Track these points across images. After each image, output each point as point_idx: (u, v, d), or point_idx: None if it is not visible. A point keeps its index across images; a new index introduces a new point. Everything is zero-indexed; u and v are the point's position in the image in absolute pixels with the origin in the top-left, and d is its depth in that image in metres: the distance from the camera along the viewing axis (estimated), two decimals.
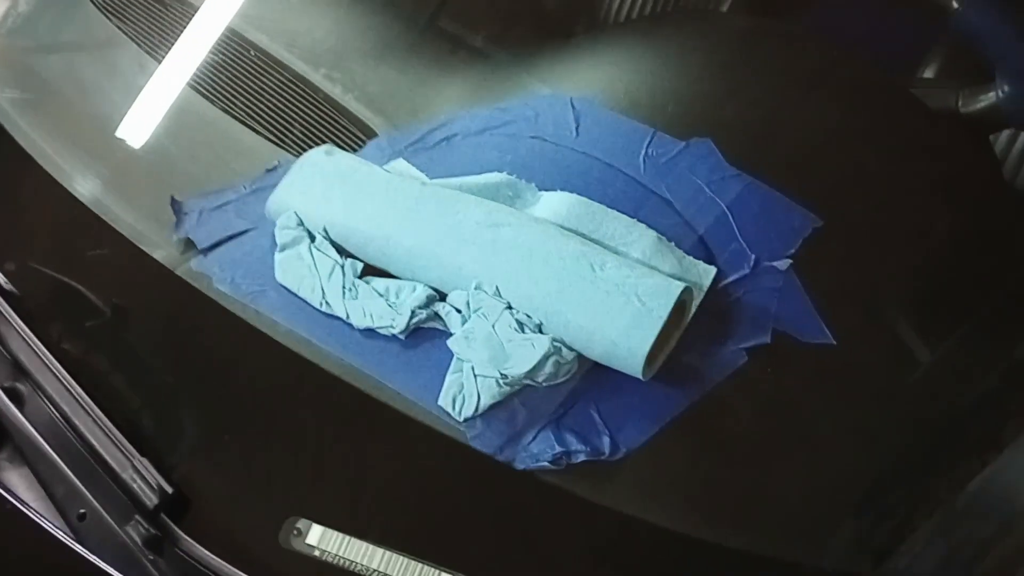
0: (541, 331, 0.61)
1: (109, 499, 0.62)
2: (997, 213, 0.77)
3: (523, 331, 0.61)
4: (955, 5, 0.75)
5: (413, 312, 0.63)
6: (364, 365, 0.63)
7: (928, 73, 0.97)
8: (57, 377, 0.67)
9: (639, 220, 0.66)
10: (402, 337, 0.64)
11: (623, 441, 0.59)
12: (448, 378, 0.61)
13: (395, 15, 0.91)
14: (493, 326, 0.61)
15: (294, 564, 0.59)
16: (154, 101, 0.80)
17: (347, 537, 0.59)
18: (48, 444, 0.65)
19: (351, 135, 0.77)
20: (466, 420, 0.60)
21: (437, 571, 0.57)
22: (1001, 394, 0.67)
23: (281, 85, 0.81)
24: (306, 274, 0.66)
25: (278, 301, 0.67)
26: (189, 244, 0.71)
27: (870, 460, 0.63)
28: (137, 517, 0.60)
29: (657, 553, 0.59)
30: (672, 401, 0.60)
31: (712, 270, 0.64)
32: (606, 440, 0.59)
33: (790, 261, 0.65)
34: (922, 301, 0.68)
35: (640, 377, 0.59)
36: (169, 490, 0.61)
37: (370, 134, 0.77)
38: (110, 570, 0.60)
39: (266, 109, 0.79)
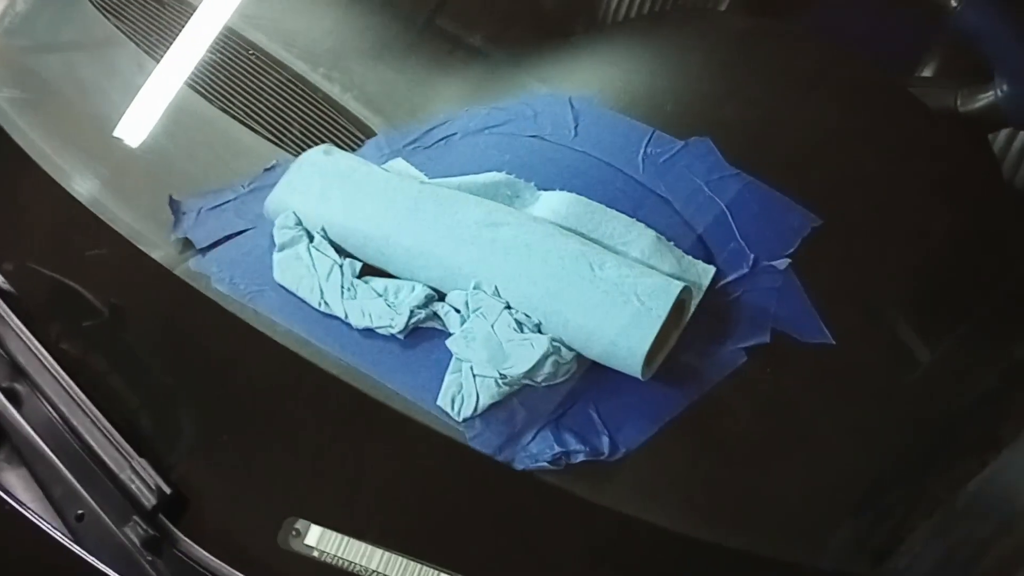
0: (540, 331, 0.61)
1: (107, 500, 0.62)
2: (996, 212, 0.77)
3: (522, 331, 0.61)
4: (954, 4, 0.75)
5: (412, 312, 0.63)
6: (363, 365, 0.63)
7: (927, 72, 0.97)
8: (55, 377, 0.67)
9: (638, 219, 0.66)
10: (401, 337, 0.64)
11: (622, 441, 0.59)
12: (447, 378, 0.61)
13: (394, 14, 0.91)
14: (492, 326, 0.61)
15: (293, 565, 0.59)
16: (152, 100, 0.80)
17: (346, 538, 0.59)
18: (46, 444, 0.65)
19: (350, 134, 0.77)
20: (465, 420, 0.60)
21: (436, 572, 0.57)
22: (1000, 394, 0.67)
23: (280, 84, 0.81)
24: (305, 274, 0.66)
25: (277, 301, 0.67)
26: (187, 244, 0.71)
27: (869, 460, 0.63)
28: (135, 518, 0.60)
29: (656, 553, 0.59)
30: (671, 401, 0.60)
31: (711, 269, 0.64)
32: (605, 440, 0.59)
33: (789, 260, 0.65)
34: (921, 301, 0.68)
35: (639, 377, 0.59)
36: (167, 491, 0.61)
37: (369, 133, 0.77)
38: (108, 571, 0.60)
39: (265, 108, 0.79)
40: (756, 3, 1.06)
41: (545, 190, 0.69)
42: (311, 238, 0.68)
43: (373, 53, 0.85)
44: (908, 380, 0.66)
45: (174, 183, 0.75)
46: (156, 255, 0.72)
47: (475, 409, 0.60)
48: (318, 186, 0.69)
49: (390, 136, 0.76)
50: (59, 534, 0.62)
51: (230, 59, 0.82)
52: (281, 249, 0.68)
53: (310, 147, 0.73)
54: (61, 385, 0.66)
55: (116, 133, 0.80)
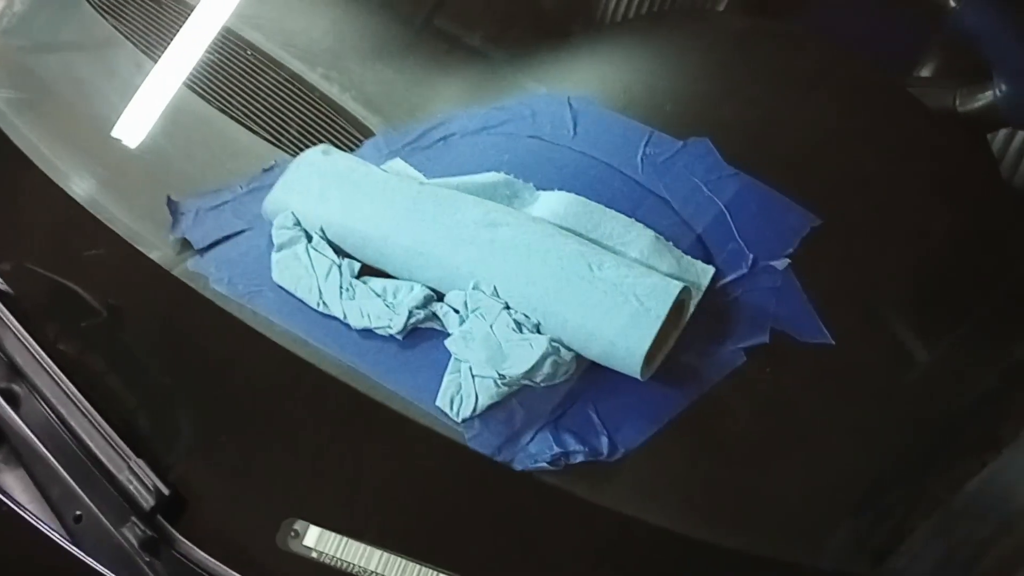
0: (539, 331, 0.61)
1: (105, 501, 0.62)
2: (995, 212, 0.77)
3: (521, 331, 0.61)
4: (952, 4, 0.75)
5: (411, 312, 0.63)
6: (361, 365, 0.63)
7: (926, 72, 0.97)
8: (53, 378, 0.66)
9: (637, 219, 0.66)
10: (399, 337, 0.63)
11: (621, 441, 0.59)
12: (446, 378, 0.61)
13: (392, 15, 0.91)
14: (491, 326, 0.61)
15: (291, 566, 0.59)
16: (150, 101, 0.80)
17: (345, 539, 0.58)
18: (44, 445, 0.65)
19: (348, 135, 0.77)
20: (464, 421, 0.60)
21: (435, 572, 0.57)
22: (1000, 394, 0.67)
23: (278, 84, 0.80)
24: (303, 274, 0.66)
25: (275, 301, 0.67)
26: (185, 244, 0.71)
27: (869, 460, 0.63)
28: (133, 519, 0.60)
29: (656, 553, 0.59)
30: (670, 401, 0.60)
31: (710, 269, 0.64)
32: (604, 440, 0.59)
33: (788, 260, 0.65)
34: (920, 300, 0.68)
35: (638, 377, 0.59)
36: (166, 492, 0.61)
37: (367, 134, 0.77)
38: (106, 572, 0.60)
39: (263, 108, 0.79)
40: (754, 3, 1.06)
41: (544, 190, 0.69)
42: (309, 238, 0.68)
43: (372, 53, 0.85)
44: (907, 380, 0.66)
45: (172, 183, 0.75)
46: (154, 255, 0.71)
47: (474, 409, 0.60)
48: (316, 186, 0.69)
49: (388, 136, 0.76)
50: (57, 535, 0.62)
51: (228, 59, 0.82)
52: (279, 249, 0.68)
53: (308, 147, 0.73)
54: (59, 386, 0.66)
55: (114, 133, 0.80)
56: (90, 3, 0.89)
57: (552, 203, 0.67)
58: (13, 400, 0.67)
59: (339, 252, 0.67)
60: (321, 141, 0.75)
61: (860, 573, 0.61)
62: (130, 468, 0.61)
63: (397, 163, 0.73)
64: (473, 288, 0.62)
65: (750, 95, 0.76)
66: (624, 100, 0.75)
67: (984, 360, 0.68)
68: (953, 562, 0.60)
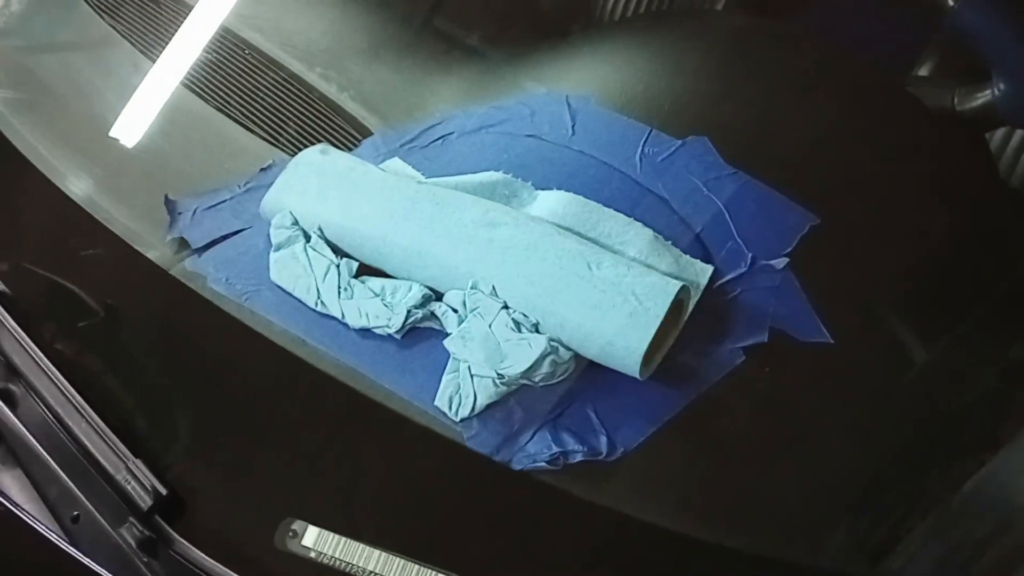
0: (538, 330, 0.61)
1: (103, 501, 0.62)
2: (993, 211, 0.77)
3: (520, 331, 0.61)
4: (951, 3, 0.74)
5: (409, 312, 0.63)
6: (360, 365, 0.63)
7: (924, 71, 0.97)
8: (50, 378, 0.66)
9: (635, 219, 0.66)
10: (398, 337, 0.63)
11: (620, 441, 0.59)
12: (444, 378, 0.61)
13: (390, 15, 0.91)
14: (490, 326, 0.61)
15: (290, 566, 0.59)
16: (148, 100, 0.80)
17: (343, 538, 0.58)
18: (41, 445, 0.65)
19: (346, 134, 0.77)
20: (463, 420, 0.60)
21: (434, 572, 0.57)
22: (998, 394, 0.67)
23: (276, 84, 0.80)
24: (301, 274, 0.66)
25: (273, 301, 0.66)
26: (183, 244, 0.71)
27: (867, 460, 0.63)
28: (131, 519, 0.60)
29: (654, 553, 0.59)
30: (669, 401, 0.60)
31: (709, 268, 0.64)
32: (603, 440, 0.59)
33: (787, 259, 0.64)
34: (919, 300, 0.68)
35: (637, 376, 0.59)
36: (163, 492, 0.60)
37: (365, 133, 0.77)
38: (104, 573, 0.60)
39: (261, 108, 0.79)
40: (752, 3, 1.06)
41: (542, 189, 0.69)
42: (308, 238, 0.68)
43: (370, 53, 0.85)
44: (906, 379, 0.66)
45: (170, 183, 0.75)
46: (152, 255, 0.71)
47: (473, 409, 0.60)
48: (314, 186, 0.69)
49: (387, 136, 0.76)
50: (54, 536, 0.62)
51: (226, 59, 0.82)
52: (277, 249, 0.68)
53: (306, 147, 0.73)
54: (56, 386, 0.66)
55: (112, 133, 0.80)
56: (88, 3, 0.89)
57: (551, 202, 0.67)
58: (10, 400, 0.67)
59: (337, 252, 0.67)
60: (319, 140, 0.75)
61: (859, 572, 0.61)
62: (128, 468, 0.61)
63: (395, 162, 0.73)
64: (472, 287, 0.62)
65: (748, 94, 0.76)
66: (622, 99, 0.75)
67: (982, 360, 0.68)
68: (951, 561, 0.60)
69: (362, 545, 0.58)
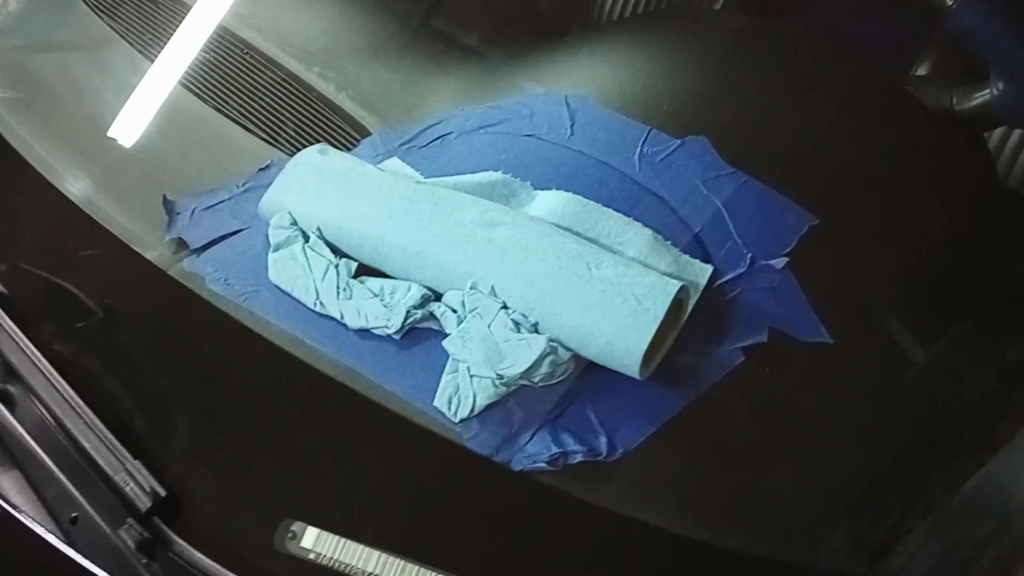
0: (537, 331, 0.61)
1: (101, 502, 0.61)
2: (992, 211, 0.77)
3: (519, 331, 0.61)
4: (949, 3, 0.75)
5: (408, 312, 0.63)
6: (359, 366, 0.63)
7: (923, 71, 0.97)
8: (48, 379, 0.66)
9: (634, 218, 0.66)
10: (397, 337, 0.63)
11: (620, 441, 0.59)
12: (444, 379, 0.61)
13: (389, 14, 0.91)
14: (489, 326, 0.61)
15: (289, 567, 0.58)
16: (146, 100, 0.80)
17: (343, 540, 0.58)
18: (39, 447, 0.64)
19: (345, 134, 0.77)
20: (462, 421, 0.60)
21: (434, 574, 0.57)
22: (997, 394, 0.67)
23: (274, 84, 0.80)
24: (300, 274, 0.66)
25: (272, 301, 0.66)
26: (181, 244, 0.71)
27: (866, 460, 0.63)
28: (130, 520, 0.60)
29: (654, 554, 0.59)
30: (669, 401, 0.60)
31: (708, 268, 0.64)
32: (603, 440, 0.59)
33: (786, 259, 0.64)
34: (918, 300, 0.68)
35: (637, 377, 0.59)
36: (162, 493, 0.60)
37: (364, 133, 0.77)
38: (102, 574, 0.60)
39: (259, 108, 0.79)
40: (751, 2, 1.06)
41: (541, 189, 0.69)
42: (306, 238, 0.67)
43: (368, 52, 0.85)
44: (905, 380, 0.66)
45: (168, 183, 0.75)
46: (150, 255, 0.71)
47: (472, 410, 0.60)
48: (313, 186, 0.69)
49: (385, 135, 0.76)
50: (52, 537, 0.61)
51: (224, 58, 0.82)
52: (276, 249, 0.68)
53: (305, 147, 0.73)
54: (54, 386, 0.66)
55: (110, 133, 0.80)
56: (86, 2, 0.88)
57: (550, 202, 0.67)
58: (8, 401, 0.67)
59: (336, 252, 0.67)
60: (318, 140, 0.75)
61: (858, 573, 0.61)
62: (126, 469, 0.61)
63: (394, 162, 0.73)
64: (471, 288, 0.62)
65: (747, 94, 0.76)
66: (621, 99, 0.75)
67: (981, 360, 0.68)
68: (950, 562, 0.60)
69: (361, 546, 0.58)
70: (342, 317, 0.64)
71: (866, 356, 0.65)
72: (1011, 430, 0.62)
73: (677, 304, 0.60)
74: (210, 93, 0.80)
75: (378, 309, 0.64)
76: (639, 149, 0.70)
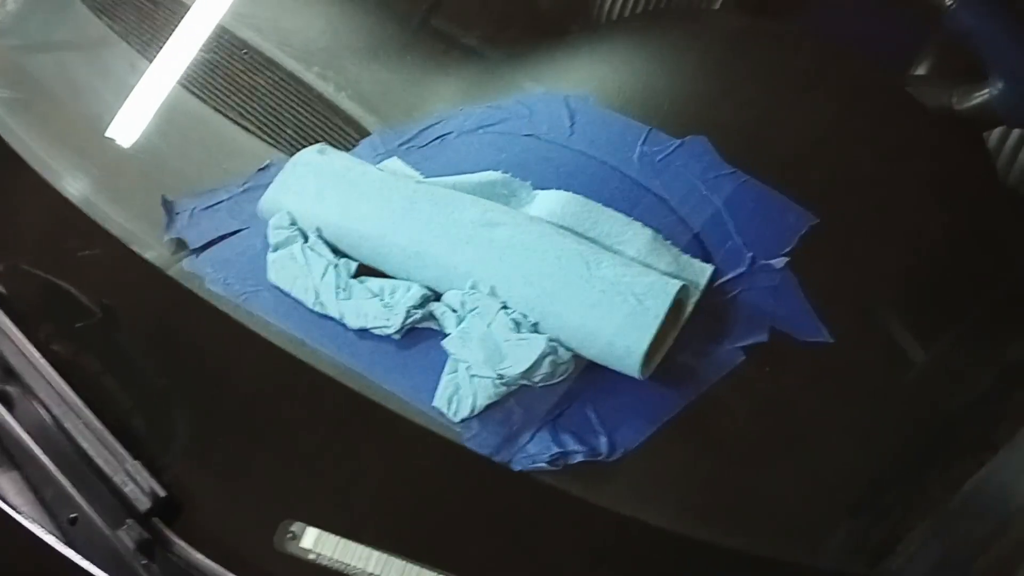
0: (537, 331, 0.61)
1: (101, 503, 0.61)
2: (992, 211, 0.77)
3: (519, 331, 0.61)
4: (948, 3, 0.75)
5: (408, 312, 0.63)
6: (358, 366, 0.63)
7: (922, 71, 0.97)
8: (47, 379, 0.66)
9: (634, 218, 0.66)
10: (397, 337, 0.63)
11: (620, 441, 0.59)
12: (443, 379, 0.61)
13: (388, 14, 0.91)
14: (489, 326, 0.61)
15: (289, 567, 0.58)
16: (145, 100, 0.80)
17: (343, 540, 0.58)
18: (38, 447, 0.64)
19: (344, 134, 0.77)
20: (462, 421, 0.60)
21: (434, 574, 0.57)
22: (997, 394, 0.67)
23: (274, 84, 0.80)
24: (300, 274, 0.66)
25: (271, 302, 0.66)
26: (181, 244, 0.71)
27: (867, 460, 0.63)
28: (129, 521, 0.60)
29: (655, 554, 0.59)
30: (669, 401, 0.60)
31: (709, 268, 0.64)
32: (603, 440, 0.58)
33: (787, 259, 0.64)
34: (919, 299, 0.68)
35: (637, 376, 0.59)
36: (162, 493, 0.60)
37: (363, 133, 0.77)
38: (101, 575, 0.59)
39: (258, 108, 0.79)
40: (750, 2, 1.06)
41: (541, 189, 0.69)
42: (306, 238, 0.67)
43: (368, 52, 0.85)
44: (906, 379, 0.66)
45: (167, 183, 0.75)
46: (149, 256, 0.71)
47: (472, 410, 0.60)
48: (313, 186, 0.69)
49: (385, 135, 0.76)
50: (52, 538, 0.61)
51: (224, 58, 0.81)
52: (276, 249, 0.67)
53: (304, 147, 0.73)
54: (53, 387, 0.65)
55: (109, 133, 0.80)
56: (84, 2, 0.88)
57: (549, 202, 0.67)
58: (7, 401, 0.66)
59: (336, 252, 0.67)
60: (317, 140, 0.75)
61: (858, 573, 0.61)
62: (126, 470, 0.61)
63: (394, 162, 0.73)
64: (471, 288, 0.62)
65: (747, 94, 0.76)
66: (621, 99, 0.75)
67: (982, 360, 0.68)
68: (951, 562, 0.60)
69: (361, 546, 0.58)
70: (342, 317, 0.64)
71: (866, 356, 0.65)
72: (1011, 430, 0.62)
73: (677, 304, 0.60)
74: (209, 93, 0.80)
75: (378, 309, 0.63)
76: (639, 149, 0.70)
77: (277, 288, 0.67)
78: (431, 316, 0.63)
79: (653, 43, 0.85)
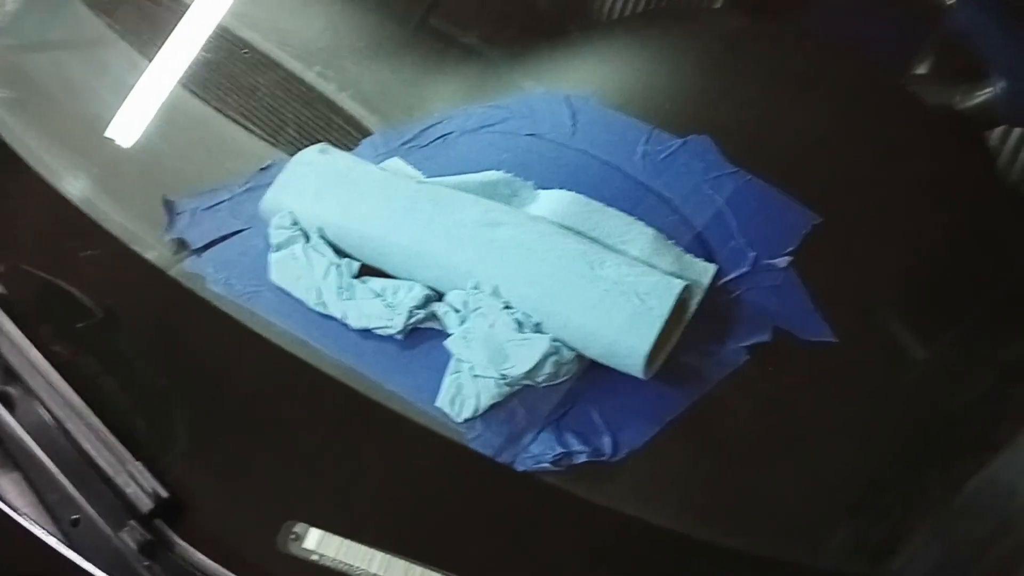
0: (540, 331, 0.61)
1: (103, 504, 0.61)
2: (992, 210, 0.77)
3: (522, 331, 0.60)
4: (949, 1, 0.75)
5: (410, 312, 0.63)
6: (361, 366, 0.63)
7: (924, 70, 0.97)
8: (48, 380, 0.66)
9: (637, 217, 0.66)
10: (399, 337, 0.63)
11: (624, 441, 0.58)
12: (446, 379, 0.61)
13: (387, 13, 0.90)
14: (491, 326, 0.61)
15: (292, 568, 0.58)
16: (145, 100, 0.80)
17: (346, 541, 0.58)
18: (40, 448, 0.64)
19: (345, 134, 0.77)
20: (465, 421, 0.60)
21: (437, 575, 0.57)
22: (997, 394, 0.67)
23: (274, 83, 0.80)
24: (302, 274, 0.66)
25: (273, 302, 0.66)
26: (182, 244, 0.71)
27: (869, 460, 0.63)
28: (132, 522, 0.59)
29: (659, 554, 0.59)
30: (673, 401, 0.60)
31: (712, 268, 0.64)
32: (607, 440, 0.58)
33: (789, 258, 0.64)
34: (922, 299, 0.68)
35: (641, 376, 0.59)
36: (164, 494, 0.60)
37: (365, 132, 0.77)
38: None
39: (259, 107, 0.78)
40: (751, 1, 1.06)
41: (543, 189, 0.69)
42: (307, 238, 0.67)
43: (368, 52, 0.85)
44: (908, 379, 0.66)
45: (168, 183, 0.74)
46: (150, 256, 0.71)
47: (475, 410, 0.60)
48: (314, 186, 0.69)
49: (386, 135, 0.76)
50: (54, 540, 0.61)
51: (224, 58, 0.81)
52: (277, 249, 0.67)
53: (305, 146, 0.72)
54: (55, 388, 0.65)
55: (109, 133, 0.79)
56: (83, 1, 0.88)
57: (552, 202, 0.67)
58: (9, 402, 0.66)
59: (338, 252, 0.67)
60: (318, 140, 0.74)
61: (860, 573, 0.61)
62: (128, 471, 0.61)
63: (395, 162, 0.73)
64: (473, 288, 0.62)
65: (749, 93, 0.76)
66: (622, 98, 0.75)
67: (984, 359, 0.68)
68: (952, 562, 0.60)
69: (365, 547, 0.58)
70: (344, 317, 0.64)
71: (870, 355, 0.65)
72: (1011, 430, 0.62)
73: (681, 304, 0.60)
74: (209, 93, 0.79)
75: (380, 309, 0.63)
76: (641, 148, 0.70)
77: (279, 288, 0.66)
78: (433, 316, 0.63)
79: (654, 42, 0.85)
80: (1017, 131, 0.94)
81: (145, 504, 0.60)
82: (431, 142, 0.74)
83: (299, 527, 0.59)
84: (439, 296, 0.64)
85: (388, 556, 0.57)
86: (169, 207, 0.72)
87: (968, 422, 0.66)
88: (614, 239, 0.65)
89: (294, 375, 0.65)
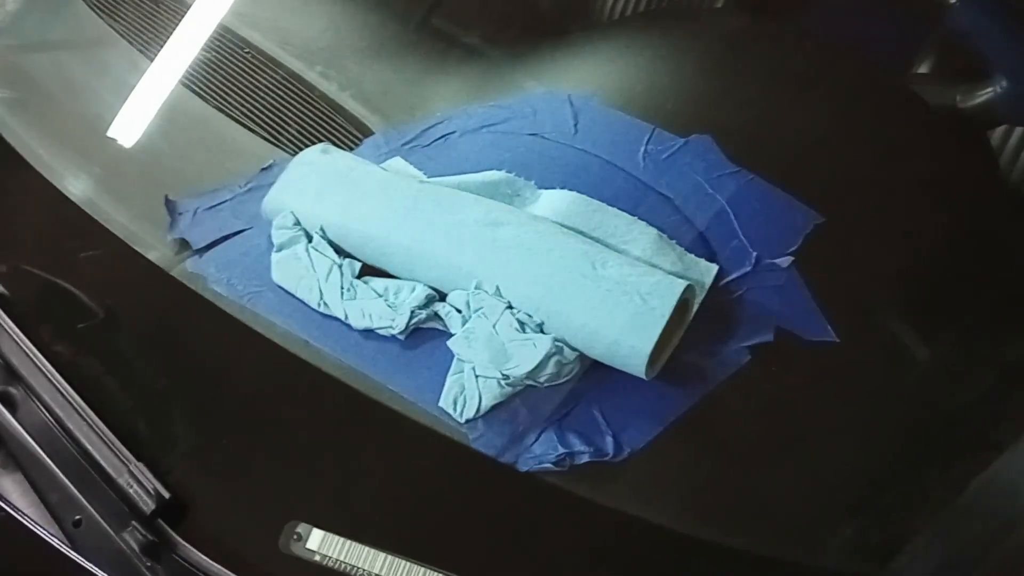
0: (542, 331, 0.61)
1: (105, 505, 0.61)
2: (994, 210, 0.77)
3: (524, 331, 0.60)
4: (952, 1, 0.74)
5: (412, 312, 0.63)
6: (363, 366, 0.62)
7: (926, 69, 0.97)
8: (50, 381, 0.66)
9: (639, 217, 0.66)
10: (401, 338, 0.63)
11: (627, 441, 0.58)
12: (449, 379, 0.61)
13: (389, 13, 0.90)
14: (494, 326, 0.61)
15: (294, 569, 0.58)
16: (147, 100, 0.80)
17: (348, 541, 0.58)
18: (42, 449, 0.64)
19: (347, 133, 0.77)
20: (467, 421, 0.60)
21: (440, 575, 0.57)
22: (1002, 394, 0.67)
23: (276, 83, 0.80)
24: (303, 274, 0.66)
25: (275, 302, 0.66)
26: (184, 244, 0.71)
27: (871, 460, 0.63)
28: (134, 523, 0.59)
29: (661, 554, 0.59)
30: (675, 401, 0.60)
31: (714, 268, 0.64)
32: (610, 441, 0.58)
33: (792, 258, 0.64)
34: (924, 299, 0.68)
35: (643, 376, 0.59)
36: (166, 495, 0.60)
37: (366, 132, 0.77)
38: None
39: (261, 107, 0.78)
40: (753, 1, 1.06)
41: (545, 188, 0.68)
42: (309, 238, 0.67)
43: (370, 52, 0.85)
44: (910, 379, 0.66)
45: (169, 183, 0.74)
46: (152, 256, 0.71)
47: (477, 410, 0.60)
48: (316, 186, 0.69)
49: (388, 135, 0.76)
50: (56, 541, 0.61)
51: (225, 58, 0.81)
52: (279, 249, 0.67)
53: (307, 146, 0.73)
54: (57, 388, 0.65)
55: (110, 133, 0.79)
56: (85, 1, 0.88)
57: (554, 201, 0.67)
58: (10, 403, 0.66)
59: (340, 252, 0.67)
60: (320, 140, 0.75)
61: (861, 573, 0.61)
62: (130, 471, 0.61)
63: (397, 162, 0.73)
64: (475, 288, 0.62)
65: (751, 92, 0.76)
66: (624, 98, 0.75)
67: (986, 360, 0.68)
68: (953, 562, 0.60)
69: (367, 548, 0.58)
70: (346, 317, 0.64)
71: (872, 356, 0.65)
72: (1012, 430, 0.62)
73: (683, 303, 0.60)
74: (211, 93, 0.79)
75: (382, 309, 0.63)
76: (643, 147, 0.70)
77: (281, 288, 0.66)
78: (436, 316, 0.63)
79: (655, 42, 0.85)
80: (1018, 131, 0.95)
81: (147, 505, 0.60)
82: (433, 142, 0.74)
83: (301, 527, 0.59)
84: (441, 296, 0.64)
85: (391, 557, 0.57)
86: (171, 207, 0.72)
87: (969, 422, 0.65)
88: (616, 239, 0.64)
89: (296, 375, 0.65)
